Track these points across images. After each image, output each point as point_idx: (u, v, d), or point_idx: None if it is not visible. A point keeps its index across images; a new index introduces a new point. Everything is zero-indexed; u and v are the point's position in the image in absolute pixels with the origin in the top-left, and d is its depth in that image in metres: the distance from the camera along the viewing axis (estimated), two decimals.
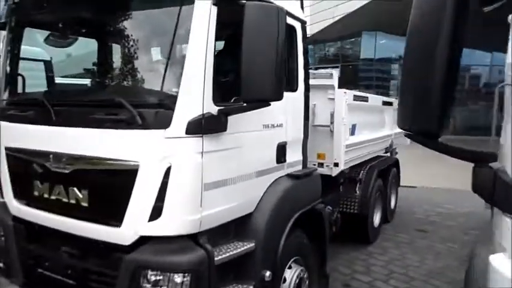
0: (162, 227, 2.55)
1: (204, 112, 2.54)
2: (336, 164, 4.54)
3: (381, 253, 5.98)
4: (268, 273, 3.03)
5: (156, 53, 2.69)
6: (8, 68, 3.52)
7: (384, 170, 6.54)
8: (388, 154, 7.21)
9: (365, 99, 5.51)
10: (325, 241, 4.00)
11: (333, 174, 4.58)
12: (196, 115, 2.51)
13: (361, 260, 5.67)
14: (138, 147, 2.57)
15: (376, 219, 6.42)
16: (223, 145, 2.72)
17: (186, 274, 2.54)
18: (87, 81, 3.02)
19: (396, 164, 7.51)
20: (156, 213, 2.55)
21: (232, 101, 2.80)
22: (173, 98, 2.50)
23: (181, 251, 2.58)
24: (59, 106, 2.93)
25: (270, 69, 2.47)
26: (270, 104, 2.62)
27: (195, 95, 2.52)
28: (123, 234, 2.66)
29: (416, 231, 6.99)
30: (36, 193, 3.07)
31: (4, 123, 3.36)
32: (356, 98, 5.03)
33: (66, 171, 2.85)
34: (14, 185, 3.28)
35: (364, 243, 6.14)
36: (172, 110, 2.49)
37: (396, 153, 7.64)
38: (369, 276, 5.17)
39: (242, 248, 2.92)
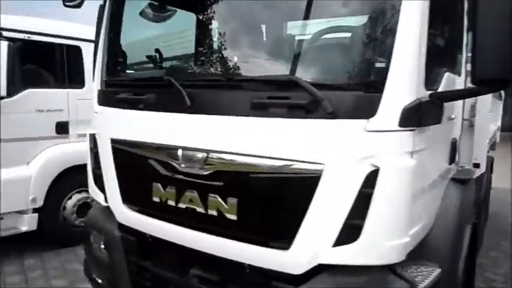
0: (358, 254, 1.86)
1: (419, 97, 1.82)
2: (477, 165, 3.76)
3: (492, 265, 5.21)
4: None
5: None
6: (108, 44, 2.89)
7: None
8: None
9: None
10: (475, 256, 3.28)
11: (473, 177, 3.80)
12: (412, 100, 1.80)
13: (478, 274, 4.90)
14: (322, 144, 1.87)
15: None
16: (425, 142, 2.00)
17: None
18: (235, 54, 2.33)
19: (492, 163, 6.66)
20: (348, 234, 1.85)
21: None
22: (381, 76, 1.79)
23: (378, 286, 1.89)
24: (193, 88, 2.25)
25: None
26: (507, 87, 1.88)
27: (408, 72, 1.80)
28: (293, 259, 1.98)
29: None
30: (156, 199, 2.42)
31: (108, 110, 2.73)
32: None
33: (204, 173, 2.18)
34: (123, 187, 2.64)
35: None
36: (380, 92, 1.78)
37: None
38: None
39: (433, 276, 2.20)
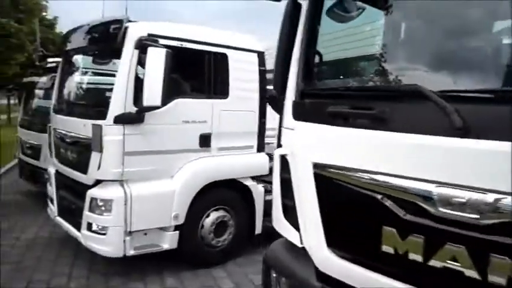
0: None
1: None
2: None
3: None
4: None
5: None
6: (306, 46, 2.37)
7: None
8: None
9: None
10: None
11: None
12: None
13: None
14: None
15: None
16: None
17: None
18: None
19: None
20: None
21: None
22: None
23: None
24: (462, 102, 1.60)
25: None
26: None
27: None
28: None
29: None
30: (386, 248, 1.79)
31: (310, 126, 2.19)
32: None
33: (483, 223, 1.50)
34: (329, 227, 2.06)
35: None
36: None
37: None
38: None
39: None
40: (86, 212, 4.39)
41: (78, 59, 5.32)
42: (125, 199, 4.24)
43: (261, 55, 5.30)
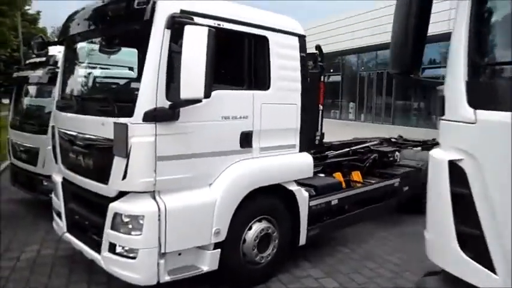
0: None
1: None
2: None
3: None
4: None
5: None
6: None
7: None
8: None
9: None
10: None
11: None
12: None
13: None
14: None
15: None
16: None
17: None
18: None
19: None
20: None
21: None
22: None
23: None
24: None
25: None
26: None
27: None
28: None
29: None
30: None
31: (505, 118, 1.44)
32: None
33: None
34: None
35: None
36: None
37: None
38: None
39: None
40: (108, 231, 3.58)
41: (90, 45, 4.44)
42: (158, 214, 3.44)
43: (302, 39, 4.53)
